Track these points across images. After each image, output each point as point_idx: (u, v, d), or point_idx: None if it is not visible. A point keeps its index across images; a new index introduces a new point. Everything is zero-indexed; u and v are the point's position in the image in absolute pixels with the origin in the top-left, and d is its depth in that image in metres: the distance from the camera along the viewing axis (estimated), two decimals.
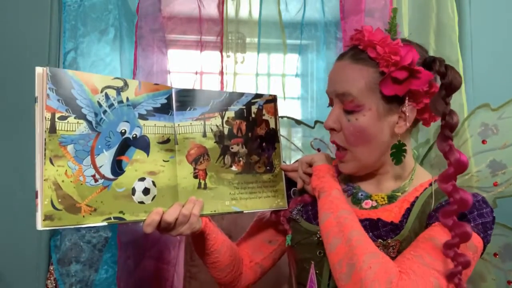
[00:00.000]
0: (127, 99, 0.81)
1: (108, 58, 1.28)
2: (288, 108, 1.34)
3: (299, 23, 1.34)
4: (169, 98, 0.87)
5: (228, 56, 1.30)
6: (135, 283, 1.18)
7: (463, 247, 0.70)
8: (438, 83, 0.77)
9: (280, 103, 1.00)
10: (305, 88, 1.41)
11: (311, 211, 0.91)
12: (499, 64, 1.36)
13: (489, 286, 1.10)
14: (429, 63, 0.79)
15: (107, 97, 0.79)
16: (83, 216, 0.73)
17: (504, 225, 1.10)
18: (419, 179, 0.87)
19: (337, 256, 0.73)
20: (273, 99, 0.98)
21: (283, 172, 0.97)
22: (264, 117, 0.96)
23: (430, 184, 0.85)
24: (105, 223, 0.75)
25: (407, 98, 0.79)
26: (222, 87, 1.28)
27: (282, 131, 1.22)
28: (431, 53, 1.23)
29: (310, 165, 0.92)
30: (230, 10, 1.30)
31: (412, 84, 0.77)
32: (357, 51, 0.83)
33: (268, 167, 0.95)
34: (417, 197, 0.83)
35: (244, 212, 0.91)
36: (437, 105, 0.73)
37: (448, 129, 0.72)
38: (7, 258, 1.25)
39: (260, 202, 0.93)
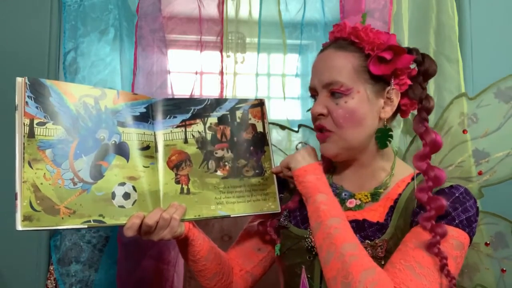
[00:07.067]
0: (106, 107, 0.83)
1: (108, 58, 1.28)
2: (288, 108, 1.33)
3: (299, 23, 1.34)
4: (148, 108, 0.88)
5: (228, 56, 1.30)
6: (135, 283, 1.18)
7: (449, 247, 0.71)
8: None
9: (280, 103, 1.00)
10: (305, 88, 1.40)
11: (299, 216, 0.91)
12: (499, 64, 1.36)
13: (483, 276, 1.09)
14: (407, 52, 0.83)
15: (85, 105, 0.81)
16: (62, 218, 0.74)
17: (493, 213, 1.09)
18: (400, 173, 0.87)
19: (331, 271, 0.72)
20: (259, 103, 0.98)
21: (274, 175, 0.95)
22: (250, 121, 0.96)
23: (413, 179, 0.84)
24: (84, 226, 0.76)
25: (392, 78, 0.82)
26: (222, 87, 1.28)
27: (282, 134, 1.22)
28: (431, 52, 1.24)
29: (290, 169, 0.89)
30: (230, 10, 1.30)
31: (397, 63, 0.80)
32: (339, 41, 0.85)
33: (257, 171, 0.94)
34: (400, 194, 0.83)
35: (232, 216, 0.90)
36: (415, 90, 0.82)
37: (425, 111, 0.81)
38: (7, 258, 1.25)
39: (250, 206, 0.91)
